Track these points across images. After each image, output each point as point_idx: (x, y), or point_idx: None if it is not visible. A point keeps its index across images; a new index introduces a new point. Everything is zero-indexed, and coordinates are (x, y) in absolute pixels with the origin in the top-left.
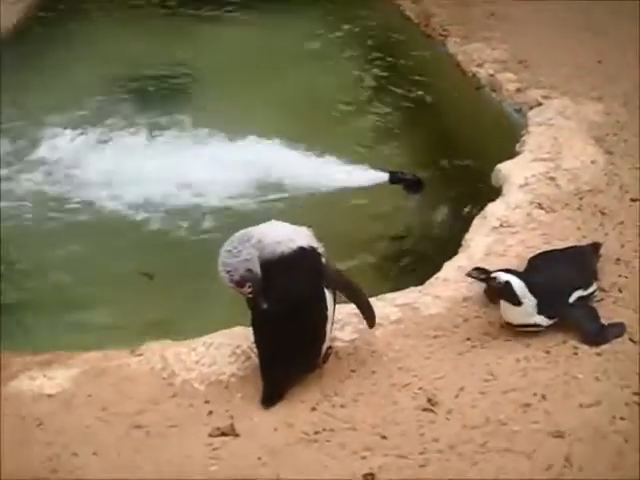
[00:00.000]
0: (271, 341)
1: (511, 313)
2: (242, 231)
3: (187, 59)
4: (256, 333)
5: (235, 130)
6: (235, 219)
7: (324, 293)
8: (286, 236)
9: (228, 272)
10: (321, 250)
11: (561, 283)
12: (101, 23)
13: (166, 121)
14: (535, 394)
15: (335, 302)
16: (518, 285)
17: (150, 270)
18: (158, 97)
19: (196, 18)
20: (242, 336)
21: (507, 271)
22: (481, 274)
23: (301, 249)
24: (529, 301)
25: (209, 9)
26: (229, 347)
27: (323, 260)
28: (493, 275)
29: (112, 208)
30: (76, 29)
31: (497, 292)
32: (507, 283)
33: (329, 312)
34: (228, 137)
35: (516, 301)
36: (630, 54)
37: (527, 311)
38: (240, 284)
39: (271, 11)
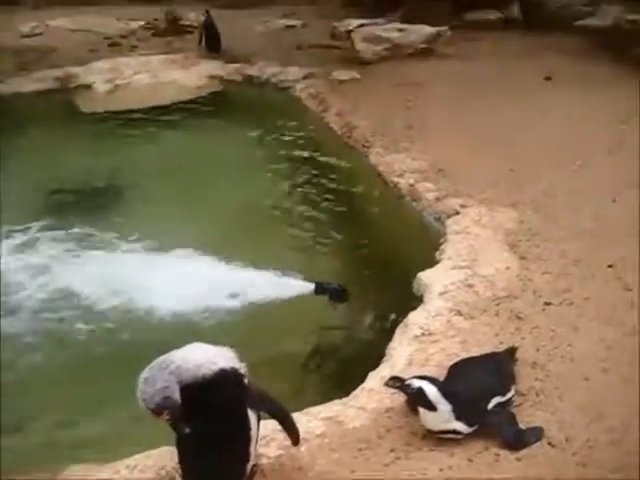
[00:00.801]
0: (195, 463)
1: (428, 419)
2: (162, 357)
3: (119, 168)
4: (180, 454)
5: (162, 241)
6: (161, 335)
7: (247, 413)
8: (207, 359)
9: (144, 400)
10: (243, 370)
11: (479, 390)
12: (33, 131)
13: (94, 232)
14: None
15: (259, 421)
16: (430, 391)
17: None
18: (85, 207)
19: (131, 126)
20: (167, 457)
21: (421, 378)
22: (397, 382)
23: (222, 371)
24: (444, 407)
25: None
26: (153, 469)
27: (245, 380)
28: (407, 382)
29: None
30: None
31: (412, 399)
32: (419, 389)
33: (252, 432)
34: (155, 249)
35: (430, 406)
36: (538, 162)
37: (444, 417)
38: (157, 412)
39: (202, 121)
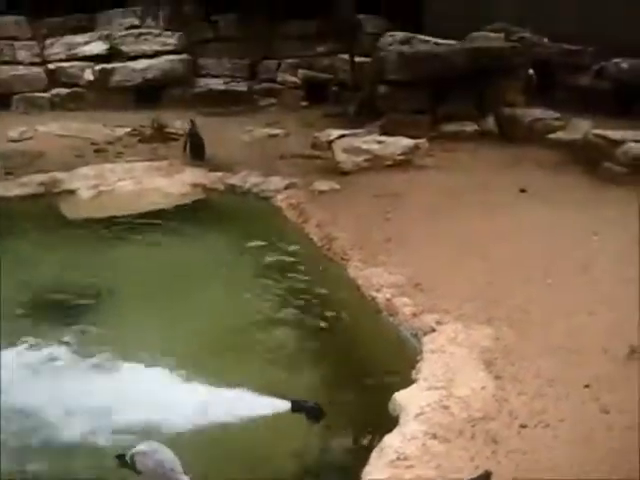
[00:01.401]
0: None
1: None
2: None
3: (97, 276)
4: None
5: (134, 355)
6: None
7: None
8: None
9: None
10: None
11: None
12: (12, 236)
13: (64, 346)
14: None
15: None
16: None
17: None
18: (57, 318)
19: (112, 233)
20: None
21: None
22: None
23: None
24: None
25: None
26: None
27: None
28: None
29: None
30: None
31: None
32: None
33: None
34: (124, 363)
35: None
36: (513, 276)
37: None
38: None
39: (183, 229)
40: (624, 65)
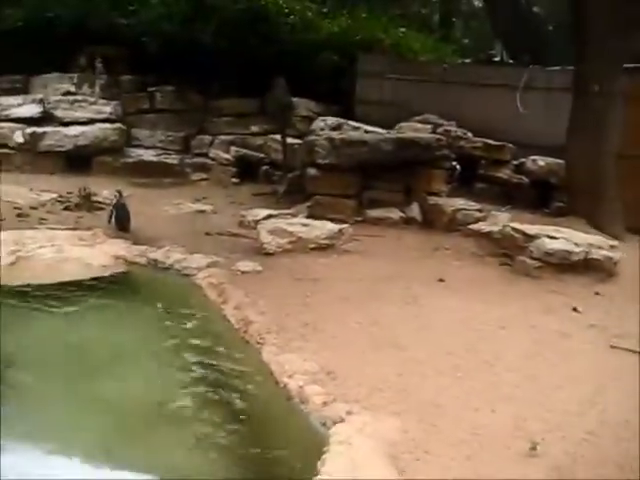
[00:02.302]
0: None
1: None
2: None
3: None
4: None
5: (38, 444)
6: None
7: None
8: None
9: None
10: None
11: None
12: None
13: None
14: None
15: None
16: None
17: None
18: None
19: (27, 302)
20: None
21: None
22: None
23: None
24: None
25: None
26: None
27: None
28: None
29: None
30: None
31: None
32: None
33: None
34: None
35: None
36: (424, 367)
37: None
38: None
39: (101, 302)
40: (541, 162)
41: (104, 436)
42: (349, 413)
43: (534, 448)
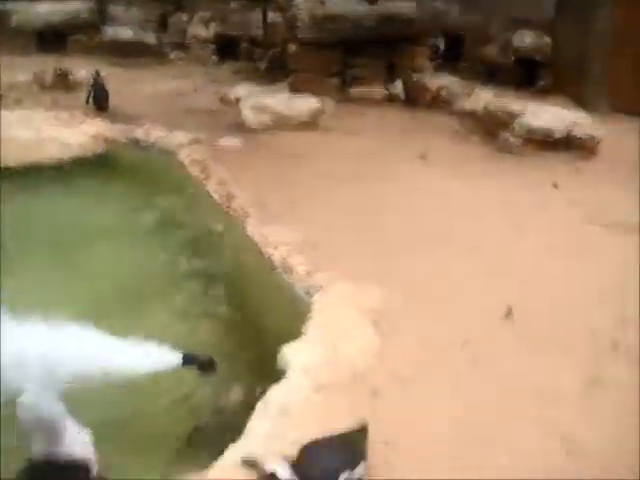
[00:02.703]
0: None
1: None
2: None
3: None
4: None
5: (26, 308)
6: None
7: None
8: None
9: None
10: (93, 460)
11: (329, 468)
12: None
13: None
14: None
15: None
16: (283, 472)
17: None
18: None
19: (6, 184)
20: None
21: (276, 458)
22: (251, 464)
23: (72, 461)
24: None
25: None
26: None
27: (93, 471)
28: (260, 465)
29: None
30: None
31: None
32: (272, 474)
33: None
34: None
35: None
36: (408, 240)
37: None
38: None
39: (81, 182)
40: (527, 39)
41: (90, 306)
42: (332, 282)
43: (509, 313)
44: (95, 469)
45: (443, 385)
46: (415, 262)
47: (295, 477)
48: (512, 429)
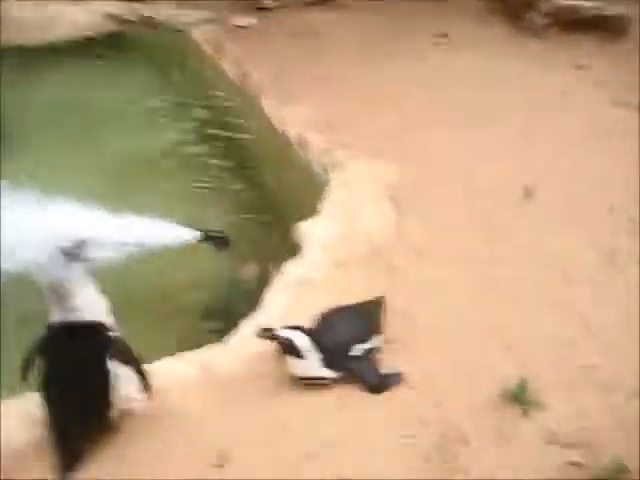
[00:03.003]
0: (57, 411)
1: (297, 367)
2: None
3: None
4: (43, 401)
5: (43, 187)
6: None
7: (106, 366)
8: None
9: None
10: (111, 323)
11: (344, 338)
12: None
13: None
14: (323, 443)
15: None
16: (300, 340)
17: None
18: None
19: (18, 65)
20: (33, 402)
21: (292, 327)
22: (268, 333)
23: (91, 323)
24: (312, 355)
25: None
26: (17, 415)
27: (111, 334)
28: (277, 333)
29: None
30: None
31: (282, 348)
32: (289, 339)
33: (113, 381)
34: (35, 194)
35: (300, 355)
36: (428, 120)
37: (310, 364)
38: None
39: (93, 62)
40: None
41: (105, 183)
42: (349, 158)
43: (528, 192)
44: (113, 333)
45: (460, 260)
46: (433, 139)
47: (311, 344)
48: (528, 304)
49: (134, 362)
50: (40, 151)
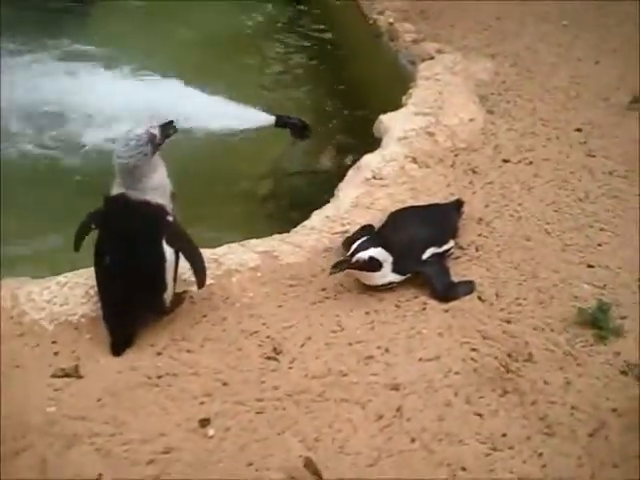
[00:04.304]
0: (111, 289)
1: (368, 277)
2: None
3: None
4: (97, 281)
5: (128, 61)
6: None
7: (162, 247)
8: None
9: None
10: (169, 207)
11: (415, 240)
12: None
13: (62, 48)
14: (379, 347)
15: (179, 254)
16: (380, 255)
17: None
18: (56, 20)
19: None
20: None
21: (363, 238)
22: (342, 265)
23: (147, 203)
24: (387, 263)
25: None
26: (83, 287)
27: (168, 217)
28: (355, 259)
29: None
30: None
31: (364, 268)
32: (372, 258)
33: (168, 264)
34: (120, 69)
35: (378, 268)
36: (525, 13)
37: (383, 273)
38: None
39: None
40: None
41: (187, 61)
42: (439, 52)
43: (635, 101)
44: (170, 216)
45: (546, 169)
46: (533, 36)
47: (387, 254)
48: (618, 223)
49: (190, 247)
50: (125, 23)
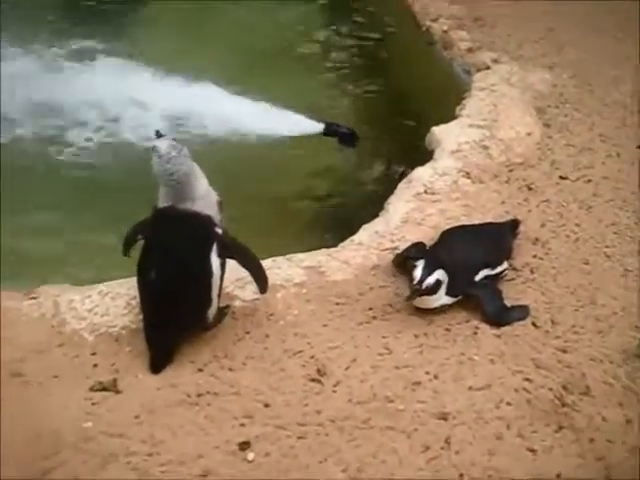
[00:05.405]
0: (154, 304)
1: (422, 300)
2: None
3: None
4: (140, 294)
5: (173, 65)
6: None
7: (209, 261)
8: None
9: None
10: (218, 218)
11: (468, 260)
12: None
13: (99, 48)
14: (427, 372)
15: (224, 268)
16: (442, 277)
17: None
18: (96, 20)
19: None
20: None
21: (414, 245)
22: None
23: (195, 215)
24: (443, 286)
25: None
26: (125, 297)
27: (217, 229)
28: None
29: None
30: None
31: (430, 293)
32: (437, 282)
33: (214, 279)
34: (164, 73)
35: (437, 292)
36: (583, 24)
37: (438, 295)
38: None
39: None
40: None
41: (234, 66)
42: (495, 61)
43: None
44: (218, 227)
45: (607, 191)
46: (590, 47)
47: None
48: None
49: (245, 254)
50: (167, 25)
